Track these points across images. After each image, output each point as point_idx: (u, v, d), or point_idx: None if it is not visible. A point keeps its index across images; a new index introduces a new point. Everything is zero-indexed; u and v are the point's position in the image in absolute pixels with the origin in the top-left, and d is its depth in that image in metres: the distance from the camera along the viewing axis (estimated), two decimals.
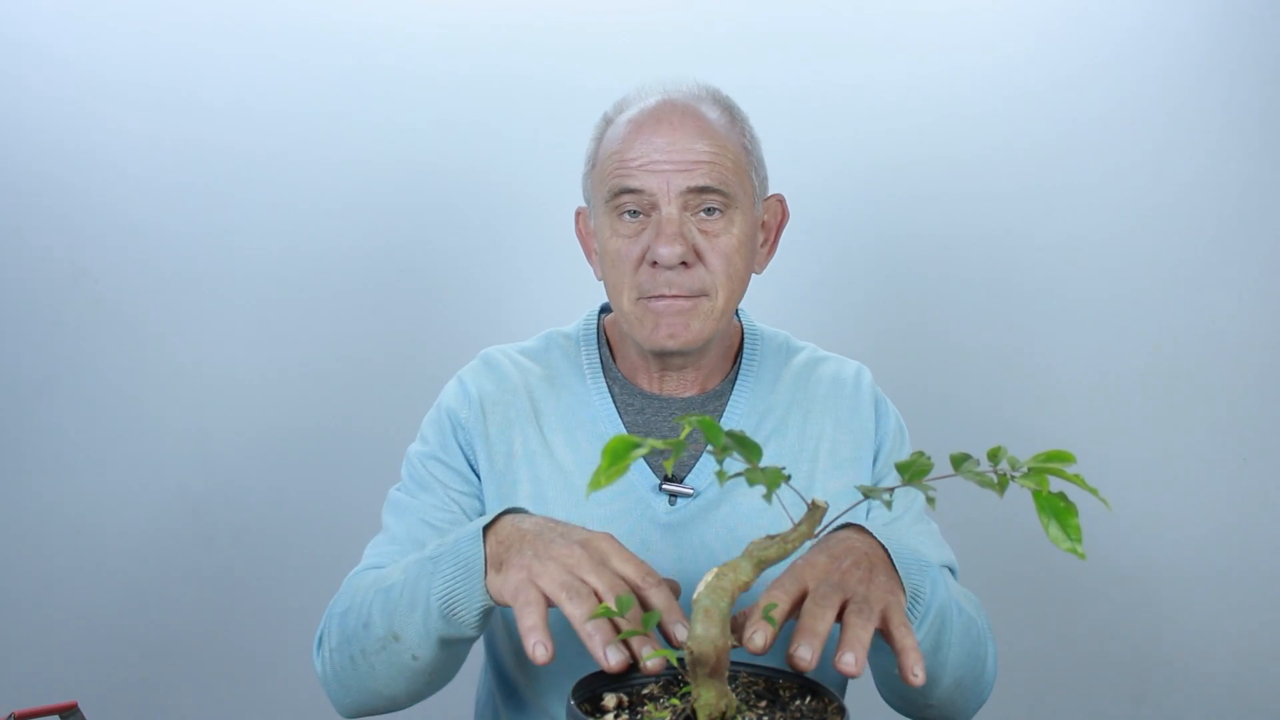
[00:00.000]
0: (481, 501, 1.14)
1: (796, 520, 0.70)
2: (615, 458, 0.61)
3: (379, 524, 1.16)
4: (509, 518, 0.91)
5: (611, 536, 0.87)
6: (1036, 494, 0.65)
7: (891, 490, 0.66)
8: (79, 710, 1.02)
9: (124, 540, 1.87)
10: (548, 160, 1.82)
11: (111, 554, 1.87)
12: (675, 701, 0.75)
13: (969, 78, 1.85)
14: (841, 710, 0.74)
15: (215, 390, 1.87)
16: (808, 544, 0.75)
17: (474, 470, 1.15)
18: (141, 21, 1.83)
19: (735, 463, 0.64)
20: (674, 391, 1.16)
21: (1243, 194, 1.83)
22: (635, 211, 1.06)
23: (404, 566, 0.95)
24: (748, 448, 0.64)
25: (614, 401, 1.15)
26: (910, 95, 1.86)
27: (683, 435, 0.64)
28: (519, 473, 1.12)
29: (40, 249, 1.84)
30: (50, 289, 1.85)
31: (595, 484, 0.60)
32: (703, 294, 1.07)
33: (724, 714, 0.70)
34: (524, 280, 1.89)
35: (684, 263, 1.05)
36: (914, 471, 0.67)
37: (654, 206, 1.05)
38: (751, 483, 0.63)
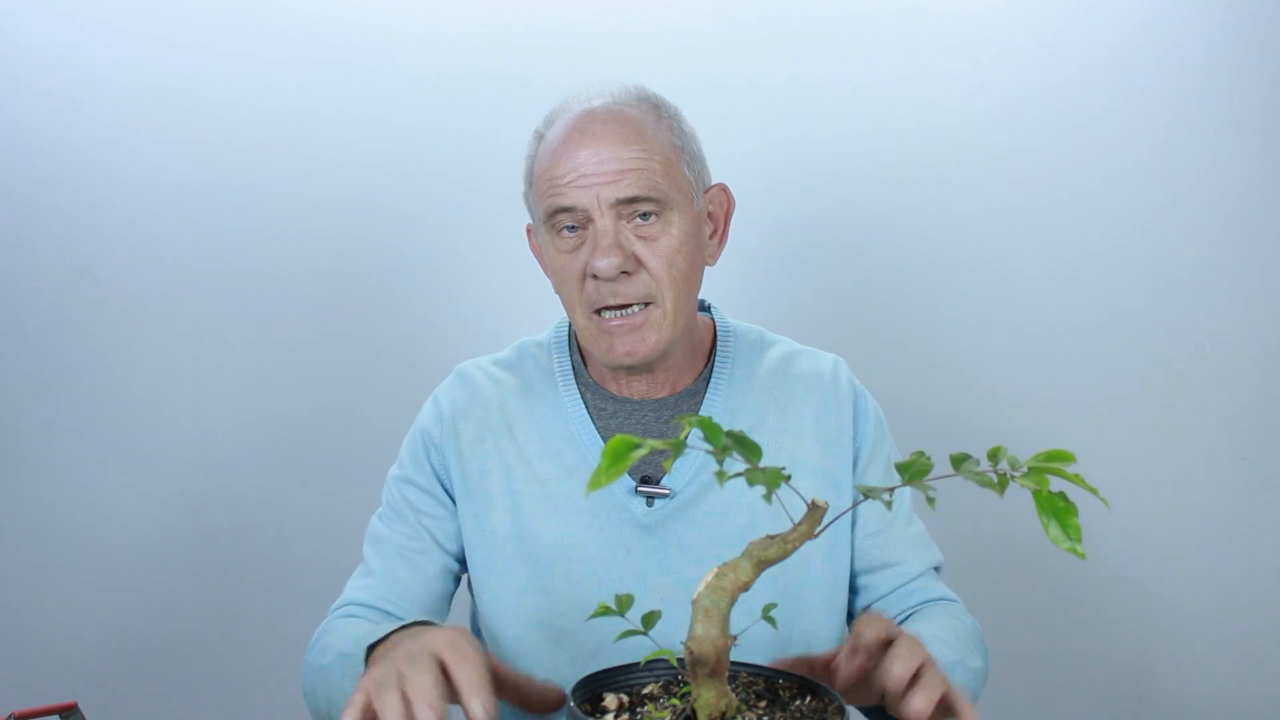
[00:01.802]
0: (455, 523, 1.15)
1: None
2: (615, 458, 0.61)
3: None
4: (397, 635, 0.90)
5: (458, 631, 0.85)
6: (1036, 494, 0.64)
7: (891, 490, 0.66)
8: (79, 710, 1.02)
9: (124, 540, 1.87)
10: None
11: (111, 554, 1.87)
12: (675, 701, 0.75)
13: (965, 77, 1.85)
14: (841, 710, 0.74)
15: (215, 390, 1.87)
16: (807, 544, 0.75)
17: (447, 491, 1.16)
18: (141, 21, 1.83)
19: (733, 463, 0.64)
20: (645, 394, 1.16)
21: (1240, 192, 1.83)
22: (573, 227, 1.07)
23: (336, 652, 0.98)
24: (748, 448, 0.64)
25: (586, 407, 1.15)
26: (907, 94, 1.85)
27: (683, 435, 0.64)
28: (494, 485, 1.13)
29: (40, 249, 1.84)
30: (50, 289, 1.85)
31: (595, 483, 0.60)
32: (649, 301, 1.07)
33: (724, 714, 0.70)
34: (528, 276, 1.89)
35: (625, 271, 1.05)
36: (914, 471, 0.67)
37: (589, 220, 1.06)
38: (751, 483, 0.63)
